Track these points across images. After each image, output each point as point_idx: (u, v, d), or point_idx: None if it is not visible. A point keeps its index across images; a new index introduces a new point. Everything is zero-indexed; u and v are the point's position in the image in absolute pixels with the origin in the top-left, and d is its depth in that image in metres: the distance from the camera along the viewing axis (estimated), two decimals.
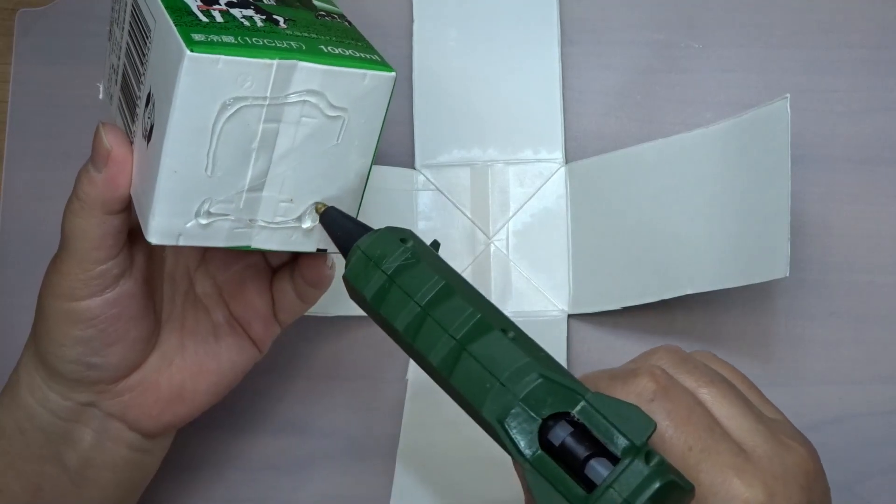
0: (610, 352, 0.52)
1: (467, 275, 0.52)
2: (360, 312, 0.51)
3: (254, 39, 0.37)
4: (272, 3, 0.41)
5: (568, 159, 0.53)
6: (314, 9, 0.42)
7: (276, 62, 0.36)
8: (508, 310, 0.52)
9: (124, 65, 0.41)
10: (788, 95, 0.45)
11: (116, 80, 0.43)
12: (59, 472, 0.44)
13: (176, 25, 0.36)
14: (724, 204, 0.47)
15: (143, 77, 0.39)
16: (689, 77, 0.53)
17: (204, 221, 0.38)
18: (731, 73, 0.53)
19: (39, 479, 0.44)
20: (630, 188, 0.51)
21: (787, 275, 0.43)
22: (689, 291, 0.47)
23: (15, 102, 0.56)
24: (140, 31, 0.39)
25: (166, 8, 0.37)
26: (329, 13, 0.42)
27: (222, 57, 0.36)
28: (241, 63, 0.36)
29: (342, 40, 0.39)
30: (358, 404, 0.52)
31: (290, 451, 0.52)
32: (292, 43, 0.38)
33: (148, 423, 0.44)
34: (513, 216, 0.52)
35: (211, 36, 0.36)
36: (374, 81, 0.38)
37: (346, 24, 0.42)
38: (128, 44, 0.41)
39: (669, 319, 0.51)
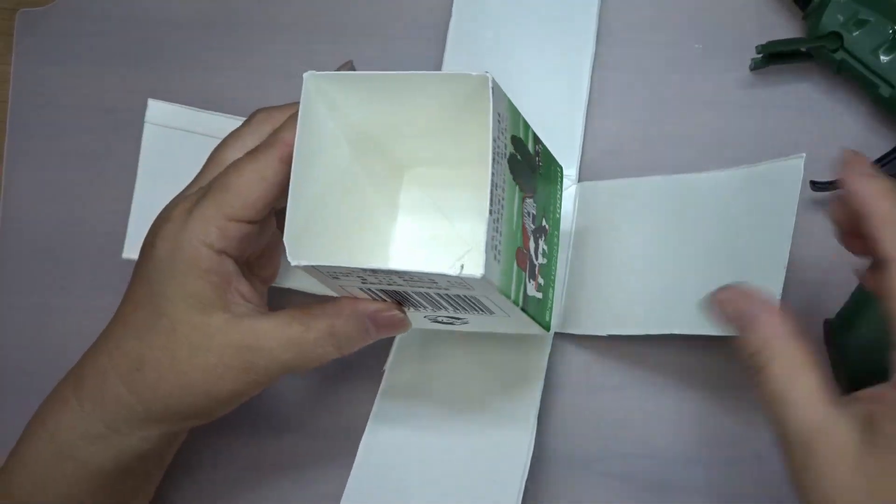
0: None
1: None
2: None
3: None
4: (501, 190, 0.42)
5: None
6: (532, 159, 0.46)
7: None
8: None
9: (398, 293, 0.42)
10: (804, 155, 0.44)
11: (366, 290, 0.43)
12: (140, 482, 0.46)
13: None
14: (723, 251, 0.47)
15: (453, 311, 0.43)
16: (690, 77, 0.53)
17: None
18: (731, 73, 0.53)
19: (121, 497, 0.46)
20: (635, 219, 0.50)
21: None
22: (676, 332, 0.47)
23: (15, 102, 0.56)
24: (464, 305, 0.43)
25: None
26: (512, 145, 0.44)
27: None
28: None
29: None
30: (357, 403, 0.52)
31: (290, 451, 0.52)
32: None
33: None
34: None
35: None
36: None
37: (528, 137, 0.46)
38: (427, 300, 0.43)
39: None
